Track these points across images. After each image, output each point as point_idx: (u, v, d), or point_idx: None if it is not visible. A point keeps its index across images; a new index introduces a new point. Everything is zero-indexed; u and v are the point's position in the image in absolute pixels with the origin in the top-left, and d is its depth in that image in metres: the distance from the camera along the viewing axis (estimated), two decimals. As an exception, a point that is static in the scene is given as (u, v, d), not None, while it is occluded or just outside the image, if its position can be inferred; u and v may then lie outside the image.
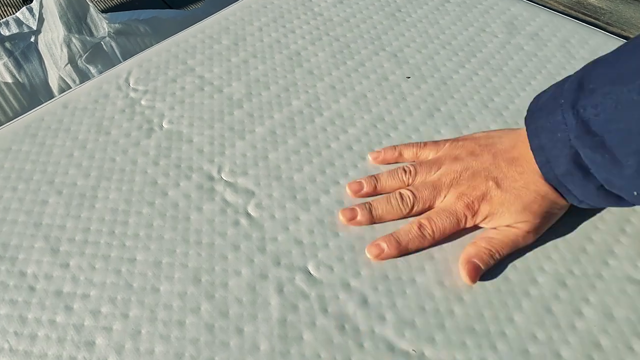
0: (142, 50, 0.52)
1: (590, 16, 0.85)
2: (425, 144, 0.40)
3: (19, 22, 0.62)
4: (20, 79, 0.60)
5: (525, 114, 0.43)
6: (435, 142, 0.40)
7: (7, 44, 0.61)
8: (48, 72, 0.62)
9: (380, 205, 0.37)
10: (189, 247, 0.35)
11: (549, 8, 0.57)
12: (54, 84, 0.61)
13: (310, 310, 0.32)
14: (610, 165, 0.30)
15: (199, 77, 0.48)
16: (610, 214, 0.37)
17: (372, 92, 0.47)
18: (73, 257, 0.35)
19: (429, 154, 0.40)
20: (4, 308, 0.33)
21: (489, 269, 0.34)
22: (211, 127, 0.44)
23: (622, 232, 0.36)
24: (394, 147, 0.41)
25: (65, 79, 0.61)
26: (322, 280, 0.34)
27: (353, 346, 0.31)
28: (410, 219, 0.37)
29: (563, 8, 0.88)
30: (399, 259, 0.35)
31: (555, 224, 0.36)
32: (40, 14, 0.62)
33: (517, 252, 0.35)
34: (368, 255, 0.35)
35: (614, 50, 0.32)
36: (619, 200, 0.32)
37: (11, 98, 0.59)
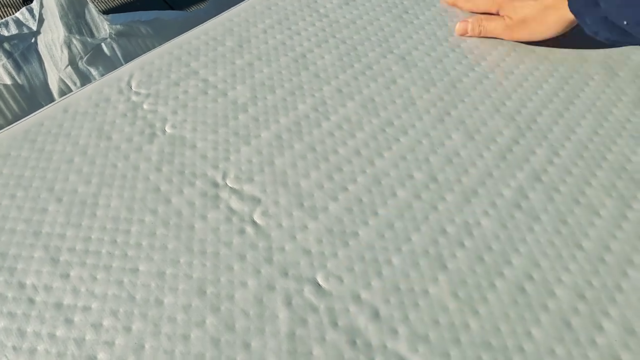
0: (143, 51, 0.51)
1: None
2: None
3: (18, 23, 0.61)
4: (19, 81, 0.59)
5: (538, 118, 0.42)
6: None
7: (6, 45, 0.60)
8: (48, 74, 0.60)
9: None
10: (194, 257, 0.34)
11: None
12: (54, 85, 0.60)
13: (320, 324, 0.31)
14: None
15: (202, 80, 0.47)
16: (628, 222, 0.36)
17: (380, 95, 0.45)
18: (73, 267, 0.34)
19: None
20: (2, 321, 0.31)
21: (504, 280, 0.33)
22: (215, 132, 0.42)
23: (641, 242, 0.35)
24: None
25: (66, 80, 0.60)
26: (332, 291, 0.33)
27: (365, 362, 0.30)
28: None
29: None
30: (410, 268, 0.34)
31: (574, 233, 0.35)
32: (40, 14, 0.61)
33: (532, 262, 0.34)
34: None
35: None
36: (623, 34, 0.41)
37: (10, 100, 0.58)
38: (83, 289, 0.33)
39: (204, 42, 0.51)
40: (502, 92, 0.46)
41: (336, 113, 0.44)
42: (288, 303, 0.32)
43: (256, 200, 0.38)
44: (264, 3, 0.56)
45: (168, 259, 0.34)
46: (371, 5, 0.55)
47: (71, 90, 0.62)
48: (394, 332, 0.31)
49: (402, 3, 0.55)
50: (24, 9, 0.63)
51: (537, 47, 0.50)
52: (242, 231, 0.36)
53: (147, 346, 0.30)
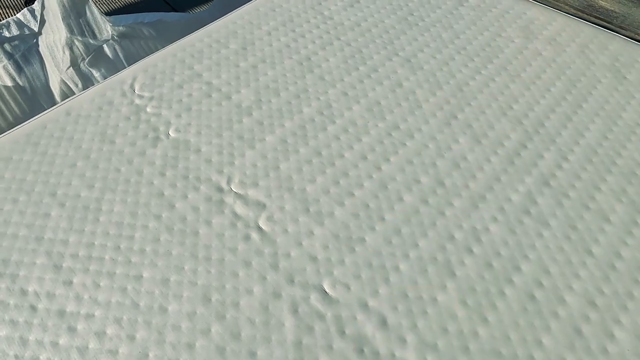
0: (146, 53, 0.50)
1: (602, 19, 0.84)
2: None
3: (19, 24, 0.60)
4: (20, 82, 0.58)
5: (546, 122, 0.42)
6: None
7: (8, 47, 0.59)
8: (49, 76, 0.60)
9: None
10: (198, 264, 0.34)
11: (560, 11, 0.56)
12: (55, 87, 0.59)
13: (327, 333, 0.31)
14: None
15: (206, 83, 0.46)
16: (639, 229, 0.36)
17: (386, 99, 0.45)
18: (76, 274, 0.33)
19: None
20: (4, 329, 0.31)
21: (514, 286, 0.33)
22: (220, 136, 0.42)
23: (653, 249, 0.35)
24: None
25: (67, 82, 0.60)
26: (339, 299, 0.32)
27: (373, 371, 0.29)
28: None
29: (574, 11, 0.86)
30: (418, 275, 0.33)
31: (584, 239, 0.35)
32: (42, 15, 0.61)
33: (542, 268, 0.33)
34: None
35: None
36: None
37: (11, 102, 0.57)
38: (86, 296, 0.32)
39: (207, 45, 0.51)
40: (508, 96, 0.45)
41: (342, 116, 0.43)
42: (294, 311, 0.32)
43: (261, 206, 0.37)
44: (268, 5, 0.55)
45: (172, 265, 0.34)
46: (376, 7, 0.55)
47: (73, 92, 0.62)
48: (402, 340, 0.30)
49: (407, 5, 0.55)
50: (25, 10, 0.62)
51: (544, 49, 0.50)
52: (247, 237, 0.35)
53: (151, 355, 0.30)
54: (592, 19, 0.81)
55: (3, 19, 0.64)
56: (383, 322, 0.31)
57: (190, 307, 0.32)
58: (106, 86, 0.47)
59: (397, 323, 0.31)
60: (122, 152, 0.41)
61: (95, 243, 0.35)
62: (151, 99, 0.45)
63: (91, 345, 0.30)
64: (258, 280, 0.33)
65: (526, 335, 0.31)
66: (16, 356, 0.30)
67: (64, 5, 0.61)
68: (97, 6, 0.64)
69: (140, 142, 0.42)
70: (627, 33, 0.77)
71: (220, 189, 0.38)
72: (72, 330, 0.31)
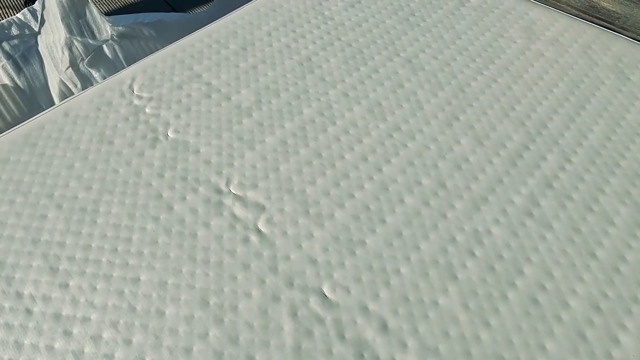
0: (145, 54, 0.50)
1: (604, 20, 0.83)
2: None
3: (19, 24, 0.60)
4: (19, 83, 0.58)
5: (549, 123, 0.41)
6: None
7: (7, 46, 0.59)
8: (48, 76, 0.59)
9: None
10: (196, 267, 0.33)
11: (563, 12, 0.55)
12: (54, 88, 0.59)
13: (326, 337, 0.30)
14: None
15: (205, 84, 0.46)
16: (643, 232, 0.35)
17: (387, 100, 0.44)
18: (73, 277, 0.33)
19: None
20: (-2, 332, 0.30)
21: (516, 290, 0.32)
22: (219, 137, 0.41)
23: (657, 252, 0.34)
24: None
25: (66, 82, 0.59)
26: (339, 302, 0.32)
27: (373, 376, 0.29)
28: None
29: (576, 12, 0.85)
30: (419, 278, 0.33)
31: (587, 242, 0.34)
32: (42, 15, 0.60)
33: (545, 271, 0.33)
34: None
35: None
36: None
37: (10, 102, 0.57)
38: (82, 300, 0.32)
39: (207, 45, 0.50)
40: (511, 97, 0.45)
41: (342, 117, 0.43)
42: (293, 314, 0.31)
43: (260, 208, 0.37)
44: (268, 5, 0.55)
45: (170, 268, 0.33)
46: (377, 7, 0.54)
47: (72, 93, 0.61)
48: (403, 344, 0.30)
49: (409, 6, 0.55)
50: (25, 10, 0.62)
51: (546, 50, 0.49)
52: (246, 239, 0.35)
53: (147, 359, 0.29)
54: (594, 19, 0.81)
55: (3, 19, 0.64)
56: (384, 326, 0.31)
57: (188, 311, 0.31)
58: (105, 87, 0.46)
59: (397, 327, 0.31)
60: (120, 153, 0.40)
61: (92, 245, 0.34)
62: (150, 99, 0.45)
63: (87, 350, 0.30)
64: (257, 283, 0.33)
65: (529, 340, 0.30)
66: (11, 360, 0.29)
67: (63, 6, 0.61)
68: (96, 6, 0.63)
69: (138, 143, 0.41)
70: (630, 34, 0.77)
71: (219, 191, 0.38)
72: (67, 334, 0.30)
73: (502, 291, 0.32)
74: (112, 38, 0.63)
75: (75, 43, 0.61)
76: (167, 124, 0.43)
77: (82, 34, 0.62)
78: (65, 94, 0.60)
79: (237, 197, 0.37)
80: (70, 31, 0.60)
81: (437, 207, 0.37)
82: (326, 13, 0.54)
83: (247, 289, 0.32)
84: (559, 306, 0.32)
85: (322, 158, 0.40)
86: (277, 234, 0.35)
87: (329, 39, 0.51)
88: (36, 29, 0.63)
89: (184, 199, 0.37)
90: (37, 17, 0.62)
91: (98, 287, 0.32)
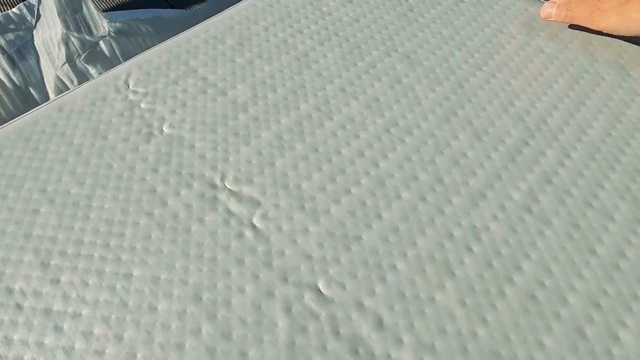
0: (142, 50, 0.49)
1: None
2: None
3: (15, 19, 0.59)
4: (15, 78, 0.58)
5: (548, 119, 0.41)
6: None
7: (2, 41, 0.59)
8: (44, 72, 0.59)
9: None
10: (190, 262, 0.33)
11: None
12: (50, 84, 0.59)
13: (321, 333, 0.30)
14: None
15: (201, 79, 0.46)
16: (644, 228, 0.35)
17: (385, 95, 0.44)
18: (64, 272, 0.32)
19: None
20: (-12, 328, 0.30)
21: (514, 286, 0.32)
22: (214, 132, 0.41)
23: (658, 248, 0.34)
24: None
25: (63, 78, 0.59)
26: (334, 298, 0.31)
27: (368, 373, 0.28)
28: None
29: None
30: (416, 274, 0.32)
31: (587, 238, 0.34)
32: (38, 10, 0.60)
33: (544, 268, 0.32)
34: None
35: None
36: None
37: (5, 98, 0.56)
38: (74, 295, 0.31)
39: (203, 41, 0.50)
40: (510, 92, 0.44)
41: (339, 113, 0.42)
42: (287, 310, 0.31)
43: (255, 203, 0.36)
44: (266, 1, 0.54)
45: (163, 263, 0.33)
46: (374, 3, 0.54)
47: (68, 89, 0.61)
48: (399, 341, 0.29)
49: (407, 1, 0.54)
50: (21, 5, 0.62)
51: (546, 46, 0.49)
52: (240, 235, 0.34)
53: (139, 355, 0.29)
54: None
55: None
56: (379, 322, 0.30)
57: (181, 306, 0.31)
58: (100, 82, 0.46)
59: (393, 323, 0.30)
60: (114, 148, 0.40)
61: (85, 240, 0.34)
62: (145, 94, 0.44)
63: (78, 345, 0.29)
64: (251, 278, 0.32)
65: (527, 337, 0.30)
66: (0, 356, 0.29)
67: (60, 1, 0.60)
68: (93, 2, 0.63)
69: (133, 138, 0.41)
70: (631, 32, 0.76)
71: (213, 186, 0.37)
72: (58, 329, 0.30)
73: (500, 287, 0.32)
74: (109, 34, 0.63)
75: (72, 39, 0.60)
76: (162, 119, 0.42)
77: (78, 30, 0.61)
78: (62, 90, 0.60)
79: (232, 193, 0.37)
80: (66, 27, 0.60)
81: (435, 202, 0.36)
82: (324, 9, 0.53)
83: (240, 284, 0.32)
84: (558, 303, 0.31)
85: (319, 153, 0.39)
86: (272, 229, 0.35)
87: (326, 34, 0.50)
88: (32, 24, 0.63)
89: (178, 194, 0.37)
90: (34, 12, 0.62)
91: (90, 282, 0.32)
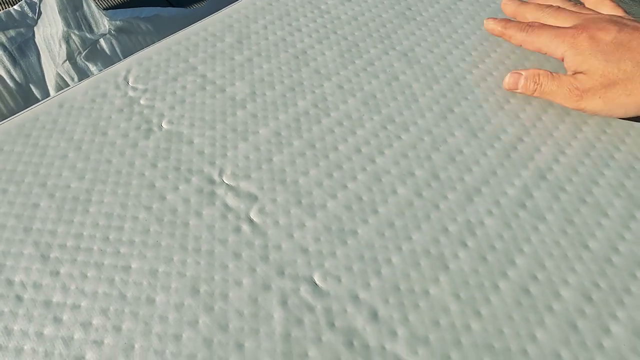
0: (142, 48, 0.50)
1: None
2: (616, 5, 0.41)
3: (16, 16, 0.60)
4: (16, 75, 0.58)
5: (543, 116, 0.41)
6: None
7: (3, 38, 0.59)
8: (45, 69, 0.60)
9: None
10: (187, 255, 0.33)
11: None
12: (50, 81, 0.59)
13: (316, 325, 0.30)
14: None
15: (200, 76, 0.46)
16: (637, 223, 0.35)
17: (382, 92, 0.44)
18: (64, 264, 0.33)
19: (606, 9, 0.41)
20: (-12, 319, 0.30)
21: (508, 280, 0.32)
22: (213, 128, 0.41)
23: (650, 243, 0.34)
24: None
25: (63, 76, 0.59)
26: (329, 291, 0.32)
27: (362, 364, 0.29)
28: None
29: (575, 9, 0.85)
30: (410, 268, 0.33)
31: (580, 233, 0.34)
32: (39, 8, 0.61)
33: (537, 262, 0.33)
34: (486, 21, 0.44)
35: None
36: None
37: (6, 95, 0.57)
38: (73, 287, 0.32)
39: (203, 38, 0.50)
40: (506, 90, 0.45)
41: (337, 110, 0.43)
42: (284, 303, 0.31)
43: (253, 198, 0.37)
44: (265, -1, 0.55)
45: (161, 256, 0.33)
46: (373, 2, 0.54)
47: (68, 86, 0.62)
48: (393, 333, 0.30)
49: (405, 0, 0.55)
50: (22, 2, 0.62)
51: (542, 44, 0.49)
52: (237, 229, 0.35)
53: (137, 346, 0.29)
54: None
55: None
56: (374, 315, 0.31)
57: (178, 299, 0.31)
58: (100, 78, 0.46)
59: (388, 316, 0.31)
60: (114, 144, 0.40)
61: (84, 234, 0.34)
62: (145, 91, 0.45)
63: (76, 336, 0.30)
64: (248, 272, 0.33)
65: (520, 330, 0.30)
66: (0, 346, 0.29)
67: (61, -1, 0.61)
68: (94, 0, 0.64)
69: (132, 134, 0.41)
70: (629, 31, 0.76)
71: (212, 181, 0.38)
72: (57, 320, 0.30)
73: (494, 281, 0.32)
74: (109, 32, 0.63)
75: (73, 36, 0.61)
76: (161, 115, 0.43)
77: (79, 28, 0.62)
78: (62, 87, 0.60)
79: (230, 188, 0.37)
80: (67, 24, 0.61)
81: (430, 198, 0.37)
82: (322, 7, 0.54)
83: (237, 277, 0.32)
84: (551, 296, 0.32)
85: (316, 149, 0.40)
86: (269, 223, 0.35)
87: (324, 32, 0.51)
88: (33, 22, 0.63)
89: (176, 188, 0.37)
90: (35, 10, 0.62)
91: (89, 274, 0.32)
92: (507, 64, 0.47)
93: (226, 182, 0.38)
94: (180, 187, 0.37)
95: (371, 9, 0.54)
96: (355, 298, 0.31)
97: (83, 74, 0.59)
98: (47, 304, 0.31)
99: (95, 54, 0.59)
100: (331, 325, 0.30)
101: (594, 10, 0.42)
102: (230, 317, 0.30)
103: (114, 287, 0.32)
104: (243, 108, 0.43)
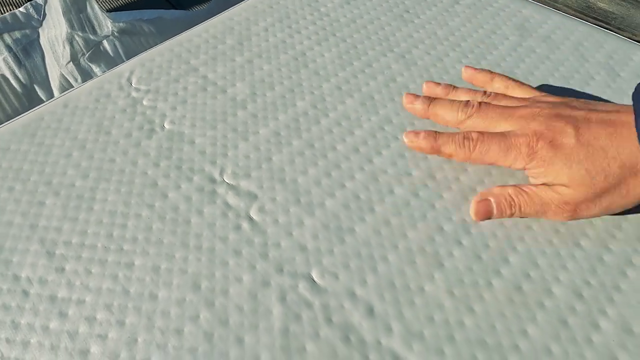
0: (145, 49, 0.51)
1: (601, 20, 0.84)
2: (522, 83, 0.38)
3: (22, 18, 0.61)
4: (20, 76, 0.59)
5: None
6: (532, 89, 0.38)
7: (9, 40, 0.60)
8: (49, 70, 0.61)
9: (440, 108, 0.37)
10: (189, 252, 0.34)
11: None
12: (54, 81, 0.60)
13: (314, 320, 0.31)
14: None
15: (202, 77, 0.47)
16: (628, 223, 0.36)
17: (380, 93, 0.45)
18: (69, 261, 0.34)
19: (520, 92, 0.37)
20: (-4, 313, 0.31)
21: (501, 278, 0.33)
22: (214, 128, 0.42)
23: (641, 242, 0.35)
24: (491, 72, 0.40)
25: (67, 77, 0.60)
26: (327, 288, 0.33)
27: (358, 358, 0.29)
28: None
29: (573, 12, 0.86)
30: (406, 265, 0.33)
31: (572, 232, 0.35)
32: (44, 10, 0.62)
33: (530, 260, 0.34)
34: (404, 139, 0.37)
35: None
36: None
37: (10, 95, 0.58)
38: (78, 283, 0.33)
39: (204, 40, 0.51)
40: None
41: (335, 110, 0.44)
42: (282, 299, 0.32)
43: (253, 196, 0.37)
44: (265, 2, 0.56)
45: (163, 253, 0.34)
46: (372, 4, 0.55)
47: (72, 86, 0.63)
48: (389, 329, 0.31)
49: (403, 2, 0.55)
50: (28, 4, 0.63)
51: (538, 46, 0.50)
52: (238, 227, 0.36)
53: (140, 340, 0.30)
54: (591, 20, 0.81)
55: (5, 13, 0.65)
56: (370, 311, 0.31)
57: (180, 294, 0.32)
58: (103, 79, 0.47)
59: (383, 312, 0.31)
60: (117, 143, 0.41)
61: (89, 231, 0.35)
62: (148, 92, 0.46)
63: (81, 330, 0.31)
64: (247, 269, 0.33)
65: (512, 326, 0.31)
66: (7, 339, 0.30)
67: (65, 1, 0.62)
68: (98, 2, 0.65)
69: (135, 134, 0.42)
70: (626, 34, 0.77)
71: (213, 180, 0.39)
72: (63, 315, 0.31)
73: (488, 279, 0.33)
74: (112, 34, 0.64)
75: (77, 38, 0.62)
76: (163, 116, 0.43)
77: (83, 29, 0.63)
78: (66, 87, 0.61)
79: (230, 186, 0.38)
80: (71, 26, 0.62)
81: (426, 197, 0.37)
82: (322, 9, 0.55)
83: (238, 274, 0.33)
84: (543, 294, 0.32)
85: (315, 149, 0.41)
86: (269, 221, 0.36)
87: (324, 34, 0.51)
88: (38, 23, 0.64)
89: (178, 187, 0.38)
90: (40, 12, 0.63)
91: (93, 270, 0.33)
92: (502, 66, 0.48)
93: (227, 181, 0.39)
94: (182, 186, 0.38)
95: (370, 11, 0.55)
96: (352, 294, 0.32)
97: (86, 75, 0.60)
98: (53, 299, 0.32)
99: (98, 55, 0.60)
100: (328, 320, 0.31)
101: (503, 94, 0.37)
102: (231, 312, 0.31)
103: (117, 283, 0.33)
104: (243, 108, 0.44)
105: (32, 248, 0.34)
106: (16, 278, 0.33)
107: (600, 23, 0.85)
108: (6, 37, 0.60)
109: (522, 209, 0.31)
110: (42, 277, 0.33)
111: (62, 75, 0.60)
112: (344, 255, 0.34)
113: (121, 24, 0.62)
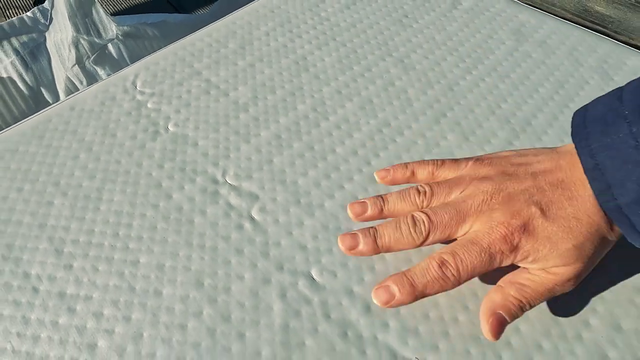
0: (149, 53, 0.52)
1: (597, 24, 0.85)
2: (443, 162, 0.34)
3: (29, 22, 0.62)
4: (27, 79, 0.61)
5: (533, 121, 0.43)
6: (455, 161, 0.33)
7: (16, 43, 0.61)
8: (55, 73, 0.62)
9: (387, 231, 0.30)
10: (192, 251, 0.35)
11: (555, 16, 0.57)
12: (60, 84, 0.61)
13: (313, 317, 0.32)
14: None
15: (205, 81, 0.48)
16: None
17: (379, 97, 0.46)
18: (77, 258, 0.35)
19: (448, 173, 0.33)
20: (7, 309, 0.33)
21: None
22: (216, 131, 0.44)
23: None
24: (406, 165, 0.34)
25: (72, 79, 0.62)
26: (326, 286, 0.34)
27: (355, 353, 0.31)
28: (430, 254, 0.30)
29: (570, 16, 0.87)
30: (402, 264, 0.35)
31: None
32: (51, 14, 0.63)
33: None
34: (375, 301, 0.29)
35: None
36: None
37: (18, 97, 0.59)
38: (85, 280, 0.34)
39: (207, 44, 0.52)
40: (497, 95, 0.47)
41: (335, 113, 0.45)
42: (283, 296, 0.33)
43: (254, 197, 0.39)
44: (267, 7, 0.57)
45: (168, 251, 0.35)
46: (371, 9, 0.56)
47: (77, 89, 0.64)
48: (385, 325, 0.32)
49: (403, 7, 0.57)
50: (35, 9, 0.64)
51: (534, 51, 0.51)
52: (240, 226, 0.37)
53: (145, 335, 0.31)
54: (587, 23, 0.82)
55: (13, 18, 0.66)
56: (367, 308, 0.33)
57: (184, 291, 0.33)
58: (109, 83, 0.49)
59: (380, 309, 0.33)
60: (122, 145, 0.43)
61: (95, 230, 0.36)
62: (152, 95, 0.47)
63: (89, 325, 0.32)
64: (249, 267, 0.35)
65: (504, 322, 0.32)
66: (18, 334, 0.31)
67: (71, 5, 0.63)
68: (103, 6, 0.66)
69: (140, 136, 0.43)
70: (622, 38, 0.78)
71: (215, 181, 0.40)
72: (71, 310, 0.32)
73: (482, 277, 0.34)
74: (117, 37, 0.65)
75: (82, 41, 0.63)
76: (167, 118, 0.45)
77: (88, 33, 0.64)
78: (71, 90, 0.62)
79: (233, 187, 0.39)
80: (77, 30, 0.63)
81: (423, 198, 0.39)
82: (323, 14, 0.56)
83: (239, 272, 0.34)
84: (535, 292, 0.33)
85: (314, 151, 0.42)
86: (270, 221, 0.37)
87: (324, 39, 0.53)
88: (45, 27, 0.65)
89: (182, 188, 0.39)
90: (47, 16, 0.64)
91: (100, 268, 0.34)
92: (499, 71, 0.49)
93: (229, 182, 0.40)
94: (186, 187, 0.39)
95: (369, 15, 0.56)
96: (350, 292, 0.33)
97: (91, 78, 0.61)
98: (62, 295, 0.33)
99: (103, 58, 0.62)
100: (327, 317, 0.32)
101: (435, 183, 0.32)
102: (233, 308, 0.32)
103: (123, 280, 0.34)
104: (245, 111, 0.45)
105: (41, 246, 0.36)
106: (26, 275, 0.34)
107: (597, 27, 0.86)
108: (14, 40, 0.61)
109: (532, 303, 0.29)
110: (51, 275, 0.34)
111: (68, 78, 0.61)
112: (342, 255, 0.35)
113: (126, 28, 0.64)
